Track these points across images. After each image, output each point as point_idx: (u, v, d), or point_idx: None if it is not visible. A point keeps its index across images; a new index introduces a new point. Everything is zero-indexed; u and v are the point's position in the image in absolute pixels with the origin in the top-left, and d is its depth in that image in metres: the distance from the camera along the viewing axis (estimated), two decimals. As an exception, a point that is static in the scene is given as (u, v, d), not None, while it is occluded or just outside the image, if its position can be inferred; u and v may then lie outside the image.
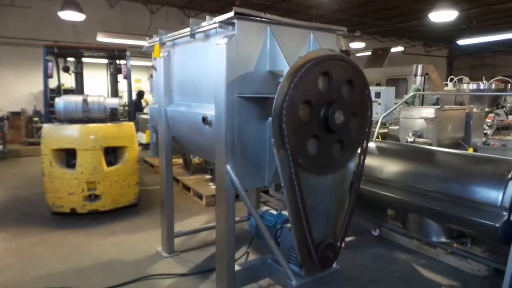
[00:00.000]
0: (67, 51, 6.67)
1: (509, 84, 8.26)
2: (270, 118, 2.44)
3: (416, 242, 4.35)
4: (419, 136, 5.87)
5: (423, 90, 9.27)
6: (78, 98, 5.50)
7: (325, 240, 2.75)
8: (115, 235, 4.77)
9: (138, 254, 4.20)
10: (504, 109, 9.00)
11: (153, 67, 4.11)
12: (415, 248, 4.33)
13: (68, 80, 7.91)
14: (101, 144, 5.26)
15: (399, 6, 13.28)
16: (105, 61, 7.20)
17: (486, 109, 7.45)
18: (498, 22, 15.78)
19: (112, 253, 4.24)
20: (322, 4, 12.69)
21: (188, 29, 3.21)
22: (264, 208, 3.52)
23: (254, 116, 2.84)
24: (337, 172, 2.82)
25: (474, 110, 6.42)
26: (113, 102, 5.77)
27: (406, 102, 6.62)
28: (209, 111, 2.96)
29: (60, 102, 5.40)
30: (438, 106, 6.15)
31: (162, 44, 3.89)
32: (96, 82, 9.41)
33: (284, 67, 2.62)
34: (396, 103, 6.62)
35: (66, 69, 6.70)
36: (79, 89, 6.66)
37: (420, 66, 9.71)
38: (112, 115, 5.67)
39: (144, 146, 9.89)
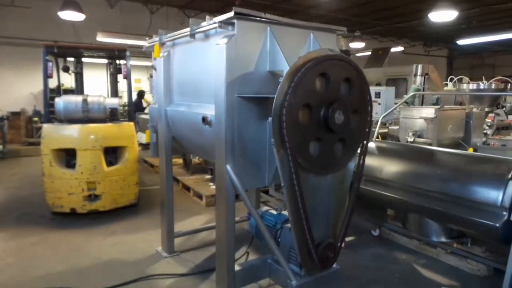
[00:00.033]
0: (67, 51, 6.67)
1: (509, 84, 8.26)
2: (270, 118, 2.44)
3: (416, 242, 4.35)
4: (419, 136, 5.87)
5: (423, 90, 9.26)
6: (78, 98, 5.50)
7: (325, 240, 2.75)
8: (115, 235, 4.77)
9: (138, 254, 4.20)
10: (504, 109, 9.00)
11: (153, 67, 4.11)
12: (415, 248, 4.33)
13: (68, 80, 7.90)
14: (101, 144, 5.26)
15: (399, 6, 13.28)
16: (105, 61, 7.19)
17: (486, 109, 7.45)
18: (498, 22, 15.78)
19: (112, 253, 4.24)
20: (322, 4, 12.69)
21: (188, 29, 3.21)
22: (264, 208, 3.52)
23: (254, 116, 2.84)
24: (337, 172, 2.82)
25: (474, 110, 6.42)
26: (113, 102, 5.77)
27: (406, 102, 6.62)
28: (209, 111, 2.96)
29: (60, 102, 5.40)
30: (438, 106, 6.15)
31: (162, 44, 3.89)
32: (96, 82, 9.40)
33: (284, 67, 2.61)
34: (396, 103, 6.62)
35: (66, 69, 6.69)
36: (79, 89, 6.65)
37: (420, 66, 9.71)
38: (112, 115, 5.67)
39: (144, 146, 9.89)
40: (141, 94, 12.17)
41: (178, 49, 3.69)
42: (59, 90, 7.10)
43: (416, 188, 3.90)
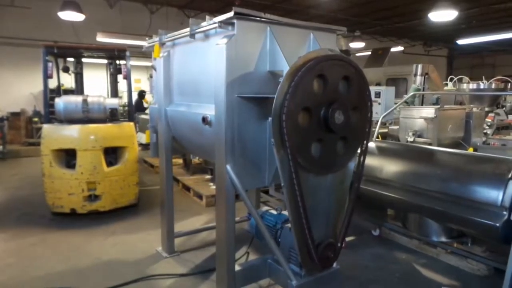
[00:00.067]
0: (67, 51, 6.67)
1: (509, 84, 8.26)
2: (270, 118, 2.44)
3: (416, 241, 4.35)
4: (419, 136, 5.87)
5: (423, 90, 9.26)
6: (78, 99, 5.50)
7: (325, 240, 2.75)
8: (115, 235, 4.77)
9: (138, 254, 4.20)
10: (504, 108, 9.00)
11: (153, 67, 4.11)
12: (415, 248, 4.33)
13: (68, 81, 7.90)
14: (101, 144, 5.26)
15: (398, 6, 13.28)
16: (105, 61, 7.19)
17: (486, 109, 7.45)
18: (498, 21, 15.79)
19: (112, 253, 4.24)
20: (321, 4, 12.69)
21: (188, 29, 3.21)
22: (264, 208, 3.52)
23: (254, 116, 2.84)
24: (337, 172, 2.82)
25: (474, 109, 6.41)
26: (113, 102, 5.77)
27: (406, 102, 6.62)
28: (209, 111, 2.96)
29: (60, 102, 5.40)
30: (438, 106, 6.15)
31: (162, 44, 3.89)
32: (96, 82, 9.41)
33: (284, 67, 2.61)
34: (396, 103, 6.62)
35: (66, 69, 6.69)
36: (79, 89, 6.65)
37: (420, 66, 9.70)
38: (112, 115, 5.67)
39: (144, 146, 9.89)
40: (141, 94, 12.17)
41: (178, 49, 3.69)
42: (59, 91, 7.11)
43: (416, 188, 3.90)
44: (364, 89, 2.74)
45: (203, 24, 3.03)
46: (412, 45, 20.28)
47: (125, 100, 7.18)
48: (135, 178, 5.63)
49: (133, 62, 6.97)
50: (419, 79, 9.65)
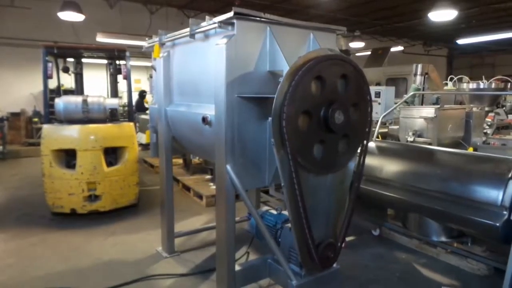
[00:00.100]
0: (67, 52, 6.67)
1: (509, 83, 8.26)
2: (270, 118, 2.44)
3: (416, 241, 4.35)
4: (419, 136, 5.87)
5: (423, 90, 9.26)
6: (78, 99, 5.50)
7: (325, 240, 2.75)
8: (115, 235, 4.77)
9: (138, 254, 4.20)
10: (504, 108, 9.00)
11: (153, 68, 4.11)
12: (415, 248, 4.33)
13: (68, 81, 7.90)
14: (101, 144, 5.26)
15: (398, 6, 13.28)
16: (105, 61, 7.19)
17: (486, 108, 7.45)
18: (498, 21, 15.79)
19: (112, 253, 4.24)
20: (321, 4, 12.69)
21: (187, 29, 3.21)
22: (264, 208, 3.52)
23: (254, 116, 2.84)
24: (337, 172, 2.82)
25: (474, 109, 6.42)
26: (113, 102, 5.77)
27: (406, 101, 6.62)
28: (209, 111, 2.96)
29: (60, 102, 5.40)
30: (438, 106, 6.15)
31: (162, 44, 3.89)
32: (96, 83, 9.41)
33: (284, 67, 2.61)
34: (396, 103, 6.61)
35: (66, 70, 6.69)
36: (79, 89, 6.65)
37: (419, 66, 9.71)
38: (112, 116, 5.67)
39: (144, 146, 9.89)
40: (142, 94, 12.19)
41: (178, 49, 3.69)
42: (59, 91, 7.11)
43: (416, 187, 3.90)
44: (363, 84, 2.72)
45: (203, 24, 3.03)
46: (412, 45, 20.28)
47: (125, 100, 7.18)
48: (135, 178, 5.63)
49: (133, 62, 6.98)
50: (419, 79, 9.66)
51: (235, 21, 2.69)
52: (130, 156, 5.55)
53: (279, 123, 2.38)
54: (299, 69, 2.38)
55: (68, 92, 7.72)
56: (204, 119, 2.99)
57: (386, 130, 6.87)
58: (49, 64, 5.79)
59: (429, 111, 5.80)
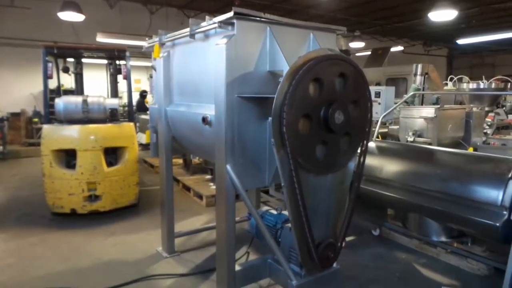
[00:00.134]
0: (67, 52, 6.67)
1: (509, 83, 8.26)
2: (270, 118, 2.44)
3: (416, 241, 4.35)
4: (419, 136, 5.87)
5: (423, 90, 9.26)
6: (78, 99, 5.50)
7: (326, 240, 2.75)
8: (115, 235, 4.77)
9: (138, 254, 4.20)
10: (504, 108, 9.00)
11: (153, 67, 4.11)
12: (415, 248, 4.33)
13: (68, 81, 7.91)
14: (101, 144, 5.26)
15: (398, 6, 13.28)
16: (105, 61, 7.19)
17: (486, 108, 7.45)
18: (498, 21, 15.79)
19: (112, 253, 4.24)
20: (321, 4, 12.69)
21: (187, 29, 3.21)
22: (264, 208, 3.52)
23: (254, 116, 2.84)
24: (337, 172, 2.82)
25: (474, 109, 6.41)
26: (113, 102, 5.77)
27: (406, 101, 6.62)
28: (209, 111, 2.96)
29: (60, 102, 5.40)
30: (438, 106, 6.15)
31: (162, 44, 3.89)
32: (96, 83, 9.42)
33: (284, 67, 2.61)
34: (396, 103, 6.61)
35: (66, 70, 6.69)
36: (79, 89, 6.65)
37: (419, 66, 9.71)
38: (112, 116, 5.68)
39: (144, 146, 9.89)
40: (143, 94, 12.20)
41: (178, 49, 3.69)
42: (59, 91, 7.11)
43: (416, 187, 3.90)
44: (361, 81, 2.72)
45: (203, 24, 3.03)
46: (412, 44, 20.28)
47: (125, 100, 7.18)
48: (135, 178, 5.63)
49: (133, 62, 6.98)
50: (419, 79, 9.66)
51: (235, 21, 2.69)
52: (130, 156, 5.55)
53: (279, 123, 2.38)
54: (299, 69, 2.38)
55: (68, 92, 7.73)
56: (204, 119, 3.00)
57: (386, 130, 6.87)
58: (49, 64, 5.79)
59: (429, 111, 5.80)
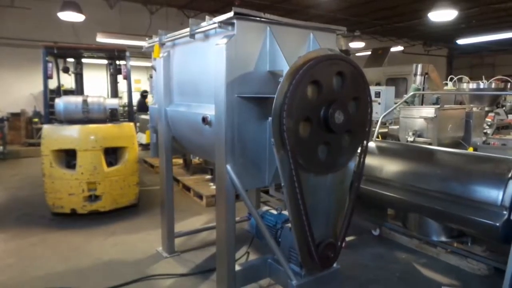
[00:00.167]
0: (67, 52, 6.67)
1: (509, 83, 8.26)
2: (270, 118, 2.44)
3: (416, 241, 4.35)
4: (419, 136, 5.87)
5: (423, 90, 9.25)
6: (78, 99, 5.50)
7: (326, 240, 2.75)
8: (115, 235, 4.78)
9: (138, 254, 4.20)
10: (504, 108, 9.00)
11: (153, 68, 4.11)
12: (415, 248, 4.33)
13: (68, 81, 7.91)
14: (101, 144, 5.26)
15: (398, 6, 13.29)
16: (105, 61, 7.20)
17: (486, 108, 7.45)
18: (498, 21, 15.79)
19: (112, 253, 4.24)
20: (321, 4, 12.70)
21: (187, 29, 3.21)
22: (264, 208, 3.52)
23: (254, 116, 2.84)
24: (337, 171, 2.82)
25: (474, 109, 6.41)
26: (113, 102, 5.77)
27: (406, 101, 6.62)
28: (209, 111, 2.96)
29: (60, 103, 5.40)
30: (438, 106, 6.15)
31: (162, 44, 3.89)
32: (96, 83, 9.42)
33: (284, 67, 2.61)
34: (396, 103, 6.61)
35: (66, 70, 6.69)
36: (79, 89, 6.66)
37: (419, 66, 9.70)
38: (112, 116, 5.68)
39: (144, 146, 9.89)
40: (144, 94, 12.21)
41: (178, 50, 3.69)
42: (59, 91, 7.10)
43: (416, 187, 3.90)
44: (361, 81, 2.71)
45: (203, 24, 3.03)
46: (412, 44, 20.28)
47: (125, 100, 7.19)
48: (135, 178, 5.63)
49: (133, 63, 6.98)
50: (419, 79, 9.65)
51: (235, 21, 2.69)
52: (130, 156, 5.55)
53: (279, 123, 2.38)
54: (299, 69, 2.38)
55: (68, 92, 7.73)
56: (204, 119, 3.00)
57: (386, 130, 6.87)
58: (49, 64, 5.79)
59: (429, 111, 5.80)
